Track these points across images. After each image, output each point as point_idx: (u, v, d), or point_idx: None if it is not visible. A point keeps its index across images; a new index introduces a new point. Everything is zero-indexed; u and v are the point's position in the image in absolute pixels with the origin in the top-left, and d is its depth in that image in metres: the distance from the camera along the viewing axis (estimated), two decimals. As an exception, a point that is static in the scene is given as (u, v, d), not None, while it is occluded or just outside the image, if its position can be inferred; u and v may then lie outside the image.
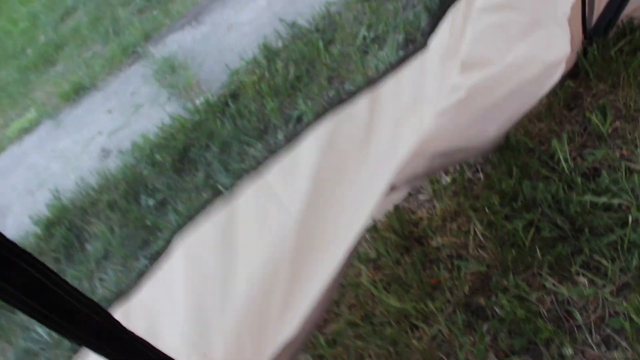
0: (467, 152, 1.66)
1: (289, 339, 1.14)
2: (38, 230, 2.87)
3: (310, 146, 1.28)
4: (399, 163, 1.32)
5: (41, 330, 2.34)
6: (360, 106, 1.32)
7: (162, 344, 0.89)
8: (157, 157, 2.78)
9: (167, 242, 1.25)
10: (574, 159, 1.72)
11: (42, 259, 2.25)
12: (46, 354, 2.26)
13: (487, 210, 1.68)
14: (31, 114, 4.37)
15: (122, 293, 1.24)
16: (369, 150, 1.35)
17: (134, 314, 1.24)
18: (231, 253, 1.22)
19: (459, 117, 1.54)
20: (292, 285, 1.19)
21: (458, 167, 1.83)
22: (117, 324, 0.78)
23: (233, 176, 2.51)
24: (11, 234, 3.14)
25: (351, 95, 1.31)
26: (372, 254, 1.84)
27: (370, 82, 1.33)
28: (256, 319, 1.17)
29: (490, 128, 1.65)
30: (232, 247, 1.23)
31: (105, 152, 3.24)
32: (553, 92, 1.87)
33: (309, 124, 1.27)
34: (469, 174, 1.84)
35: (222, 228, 1.25)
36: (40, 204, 3.04)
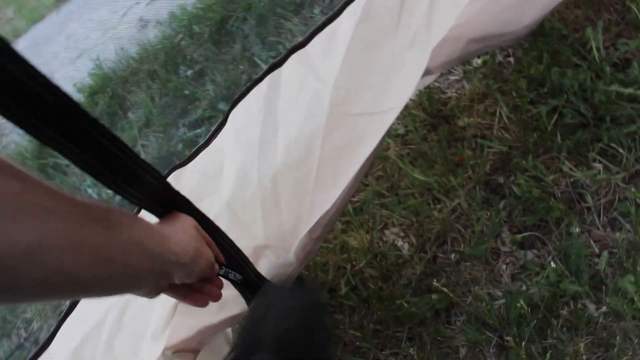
0: (503, 39, 1.68)
1: (325, 213, 1.18)
2: (82, 98, 3.00)
3: (346, 17, 1.31)
4: (434, 44, 1.35)
5: (91, 191, 2.53)
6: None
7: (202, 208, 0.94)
8: (195, 28, 2.83)
9: (225, 115, 1.33)
10: (606, 48, 1.74)
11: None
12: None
13: (514, 93, 1.74)
14: (67, -19, 4.36)
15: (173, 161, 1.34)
16: (401, 21, 1.36)
17: (185, 178, 1.36)
18: (272, 122, 1.28)
19: (496, 1, 1.54)
20: (326, 159, 1.22)
21: (493, 53, 1.87)
22: (167, 185, 0.85)
23: (269, 49, 2.57)
24: (56, 99, 3.28)
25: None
26: (401, 130, 1.94)
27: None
28: (294, 191, 1.21)
29: (527, 14, 1.64)
30: (274, 116, 1.29)
31: (143, 22, 3.28)
32: (595, -23, 1.85)
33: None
34: (500, 58, 1.88)
35: (266, 97, 1.31)
36: (82, 73, 3.13)
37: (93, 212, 0.57)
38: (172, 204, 0.86)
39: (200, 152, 1.32)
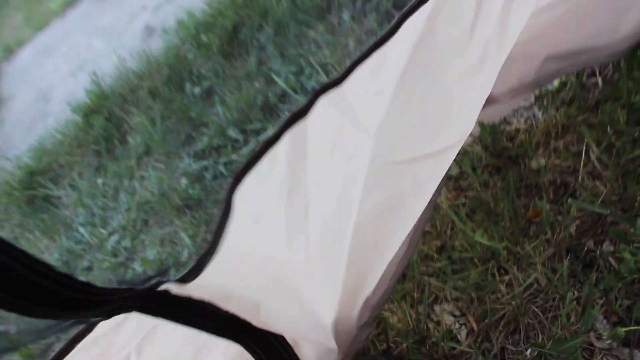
0: (593, 55, 1.27)
1: (371, 293, 0.91)
2: (78, 119, 2.65)
3: (400, 39, 0.91)
4: (502, 60, 0.97)
5: (83, 230, 2.18)
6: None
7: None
8: (204, 38, 2.45)
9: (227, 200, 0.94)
10: None
11: (82, 151, 1.95)
12: (88, 255, 2.11)
13: (608, 128, 1.31)
14: (75, -14, 4.07)
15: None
16: (474, 35, 0.98)
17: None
18: (301, 198, 0.91)
19: (584, 4, 1.17)
20: (365, 228, 0.90)
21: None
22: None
23: (289, 63, 2.16)
24: (53, 121, 2.98)
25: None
26: (455, 171, 1.52)
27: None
28: (328, 276, 0.91)
29: (626, 21, 1.24)
30: (302, 188, 0.92)
31: (149, 30, 2.92)
32: None
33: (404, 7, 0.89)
34: (584, 79, 1.45)
35: (289, 163, 0.92)
36: (80, 88, 2.81)
37: None
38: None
39: (207, 264, 0.93)
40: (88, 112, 2.59)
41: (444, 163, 0.91)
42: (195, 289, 0.78)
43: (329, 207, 0.91)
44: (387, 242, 0.92)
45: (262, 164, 0.89)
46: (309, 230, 0.90)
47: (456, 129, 0.93)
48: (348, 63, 0.90)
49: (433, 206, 0.92)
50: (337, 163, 0.90)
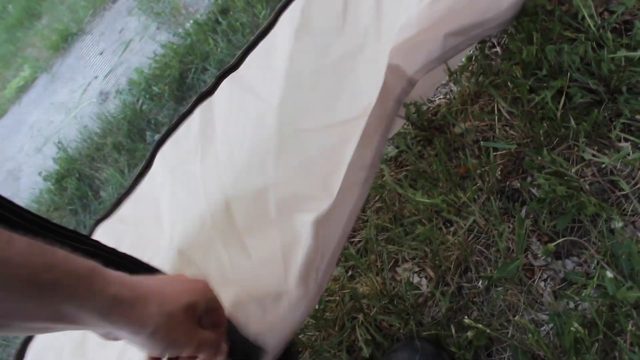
0: (485, 27, 1.48)
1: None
2: (50, 185, 2.80)
3: (283, 24, 1.13)
4: (390, 39, 1.13)
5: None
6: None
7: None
8: (155, 89, 2.64)
9: (150, 157, 1.16)
10: (600, 14, 1.53)
11: (59, 213, 2.13)
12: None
13: (510, 85, 1.52)
14: (25, 72, 4.26)
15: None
16: (347, 19, 1.18)
17: (116, 231, 1.16)
18: (213, 153, 1.11)
19: None
20: (281, 183, 1.04)
21: (476, 45, 1.66)
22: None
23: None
24: (25, 195, 3.11)
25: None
26: (392, 152, 1.72)
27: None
28: (255, 225, 1.02)
29: (505, -4, 1.47)
30: (213, 146, 1.12)
31: (103, 95, 3.11)
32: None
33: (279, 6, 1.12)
34: (485, 50, 1.67)
35: (200, 129, 1.13)
36: (49, 160, 2.96)
37: None
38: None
39: (123, 201, 1.14)
40: (59, 178, 2.75)
41: (350, 133, 1.03)
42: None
43: (243, 161, 1.07)
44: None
45: (179, 132, 1.12)
46: (224, 178, 1.07)
47: (355, 103, 1.07)
48: (240, 53, 1.12)
49: (368, 179, 1.04)
50: (244, 126, 1.09)
